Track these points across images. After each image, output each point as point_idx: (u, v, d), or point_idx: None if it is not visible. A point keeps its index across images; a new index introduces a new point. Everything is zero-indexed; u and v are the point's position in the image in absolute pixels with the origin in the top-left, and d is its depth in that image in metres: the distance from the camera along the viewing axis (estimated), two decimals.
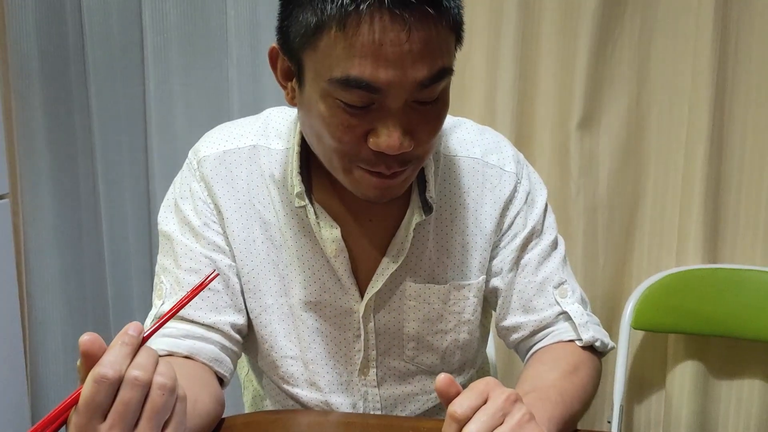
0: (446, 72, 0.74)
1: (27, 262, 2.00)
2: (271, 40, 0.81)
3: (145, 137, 1.89)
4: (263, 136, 0.91)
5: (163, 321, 0.65)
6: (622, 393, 1.48)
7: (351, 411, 0.96)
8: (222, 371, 0.87)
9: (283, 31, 0.77)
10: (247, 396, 1.11)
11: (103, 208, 1.98)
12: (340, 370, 0.95)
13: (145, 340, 0.60)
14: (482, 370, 1.09)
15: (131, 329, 0.59)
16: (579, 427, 0.84)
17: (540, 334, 0.93)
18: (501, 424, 0.61)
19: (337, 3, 0.69)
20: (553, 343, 0.92)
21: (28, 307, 2.02)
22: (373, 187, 0.79)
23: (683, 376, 1.59)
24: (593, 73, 1.54)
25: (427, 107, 0.76)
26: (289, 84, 0.81)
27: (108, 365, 0.56)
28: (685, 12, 1.50)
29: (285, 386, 0.96)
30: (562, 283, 0.94)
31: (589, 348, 0.92)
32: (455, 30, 0.75)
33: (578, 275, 1.60)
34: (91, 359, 0.57)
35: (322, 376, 0.95)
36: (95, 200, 1.98)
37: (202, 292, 0.84)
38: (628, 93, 1.56)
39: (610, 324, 1.62)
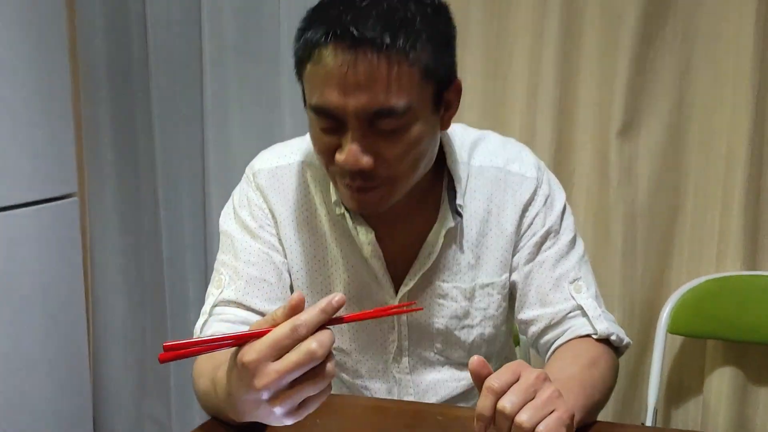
0: (394, 111, 0.81)
1: (92, 258, 2.14)
2: None
3: (202, 142, 1.99)
4: (309, 154, 1.01)
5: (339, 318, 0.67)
6: (656, 396, 1.50)
7: (387, 395, 1.04)
8: None
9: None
10: None
11: (161, 209, 2.09)
12: (377, 358, 1.03)
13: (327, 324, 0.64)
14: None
15: (335, 300, 0.64)
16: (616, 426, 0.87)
17: (557, 330, 0.98)
18: (533, 398, 0.68)
19: (311, 38, 0.81)
20: (570, 339, 0.96)
21: (93, 300, 2.16)
22: (349, 198, 0.89)
23: (721, 382, 1.60)
24: (634, 80, 1.56)
25: (393, 134, 0.83)
26: None
27: (304, 323, 0.63)
28: (725, 18, 1.51)
29: None
30: (577, 279, 0.99)
31: (606, 342, 0.96)
32: (424, 73, 0.82)
33: (617, 281, 1.63)
34: (293, 310, 0.64)
35: (363, 363, 1.03)
36: (155, 201, 2.09)
37: (257, 283, 0.95)
38: (669, 100, 1.58)
39: (648, 329, 1.63)
